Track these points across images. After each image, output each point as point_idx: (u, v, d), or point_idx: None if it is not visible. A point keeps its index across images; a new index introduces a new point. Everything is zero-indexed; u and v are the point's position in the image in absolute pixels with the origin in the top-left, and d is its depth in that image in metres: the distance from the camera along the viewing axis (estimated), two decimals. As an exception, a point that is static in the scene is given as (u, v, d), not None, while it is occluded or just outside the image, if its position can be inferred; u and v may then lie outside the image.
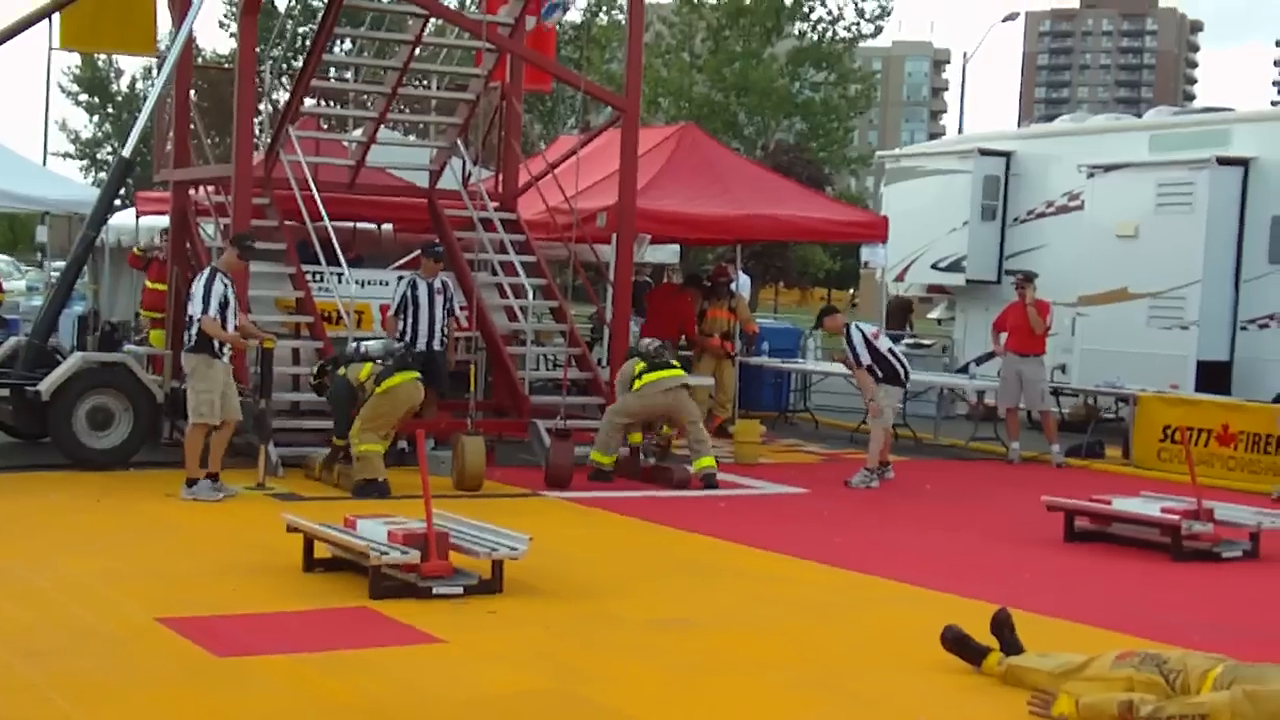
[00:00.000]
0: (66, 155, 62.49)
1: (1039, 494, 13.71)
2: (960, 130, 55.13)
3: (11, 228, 60.14)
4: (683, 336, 20.63)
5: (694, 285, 21.62)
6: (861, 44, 54.77)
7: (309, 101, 19.01)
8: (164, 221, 19.51)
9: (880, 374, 16.34)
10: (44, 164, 45.15)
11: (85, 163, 61.22)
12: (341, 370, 14.70)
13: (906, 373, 16.62)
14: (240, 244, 14.46)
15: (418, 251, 17.63)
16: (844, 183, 74.87)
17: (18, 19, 16.16)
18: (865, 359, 16.31)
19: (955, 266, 24.72)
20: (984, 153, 24.69)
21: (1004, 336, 19.15)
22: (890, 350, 16.60)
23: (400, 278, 17.06)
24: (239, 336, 13.85)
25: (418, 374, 14.65)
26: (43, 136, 54.62)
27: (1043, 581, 11.40)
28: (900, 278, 25.83)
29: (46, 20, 17.20)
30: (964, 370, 21.67)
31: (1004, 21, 59.50)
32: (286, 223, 17.28)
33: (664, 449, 16.89)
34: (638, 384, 15.75)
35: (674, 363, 16.34)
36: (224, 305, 13.66)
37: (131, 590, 9.78)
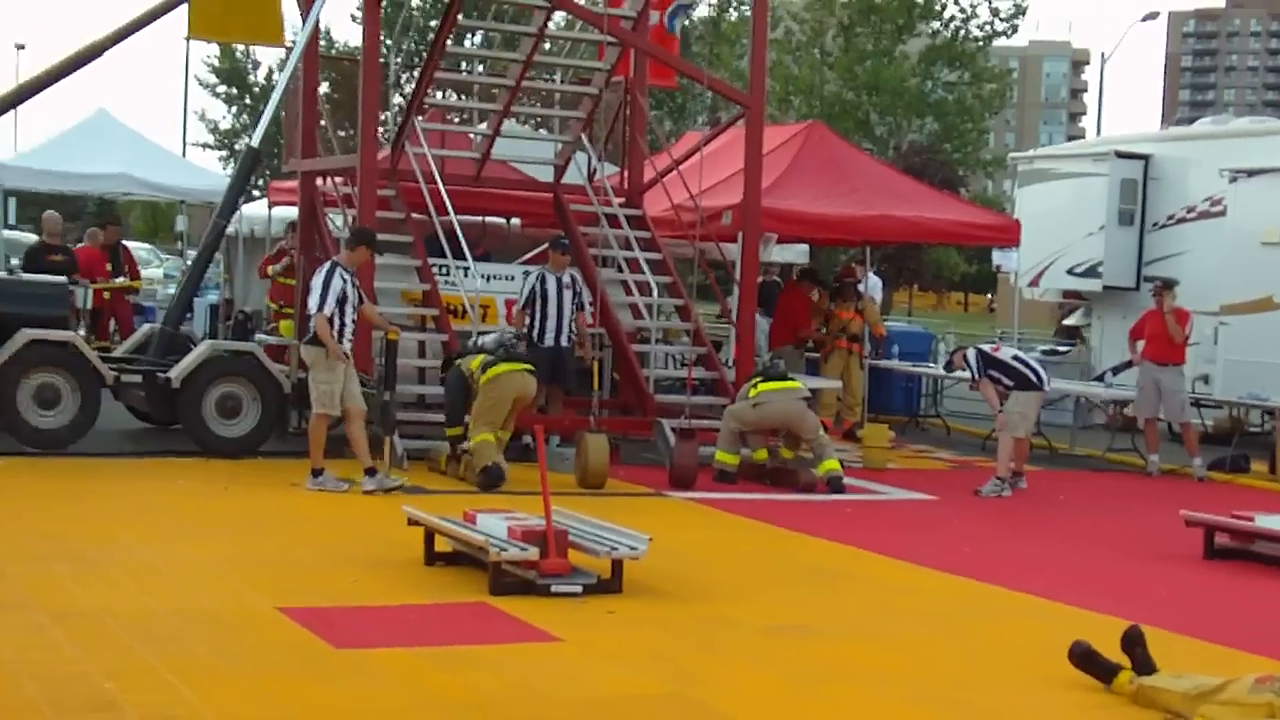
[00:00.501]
0: (205, 146, 63.42)
1: (1178, 508, 13.31)
2: (1098, 132, 54.23)
3: (153, 216, 61.06)
4: (809, 336, 20.50)
5: (809, 280, 21.44)
6: (997, 43, 54.16)
7: (435, 94, 19.06)
8: (294, 212, 19.62)
9: (1010, 382, 16.07)
10: (183, 154, 45.82)
11: (224, 153, 62.03)
12: (458, 362, 14.78)
13: (1040, 378, 16.28)
14: (366, 239, 14.47)
15: (545, 246, 17.61)
16: (979, 185, 74.01)
17: (150, 8, 16.30)
18: (979, 374, 16.15)
19: (1091, 272, 24.23)
20: (1121, 155, 24.18)
21: (1141, 345, 18.72)
22: (1016, 357, 16.35)
23: (526, 272, 17.02)
24: (340, 349, 13.69)
25: (527, 366, 14.68)
26: (182, 127, 55.34)
27: (1179, 599, 11.10)
28: (1034, 283, 25.40)
29: (180, 11, 17.34)
30: (1100, 379, 21.24)
31: (1143, 21, 58.29)
32: (413, 215, 17.31)
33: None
34: (753, 392, 15.63)
35: (790, 375, 16.20)
36: (342, 300, 13.67)
37: (254, 578, 9.81)
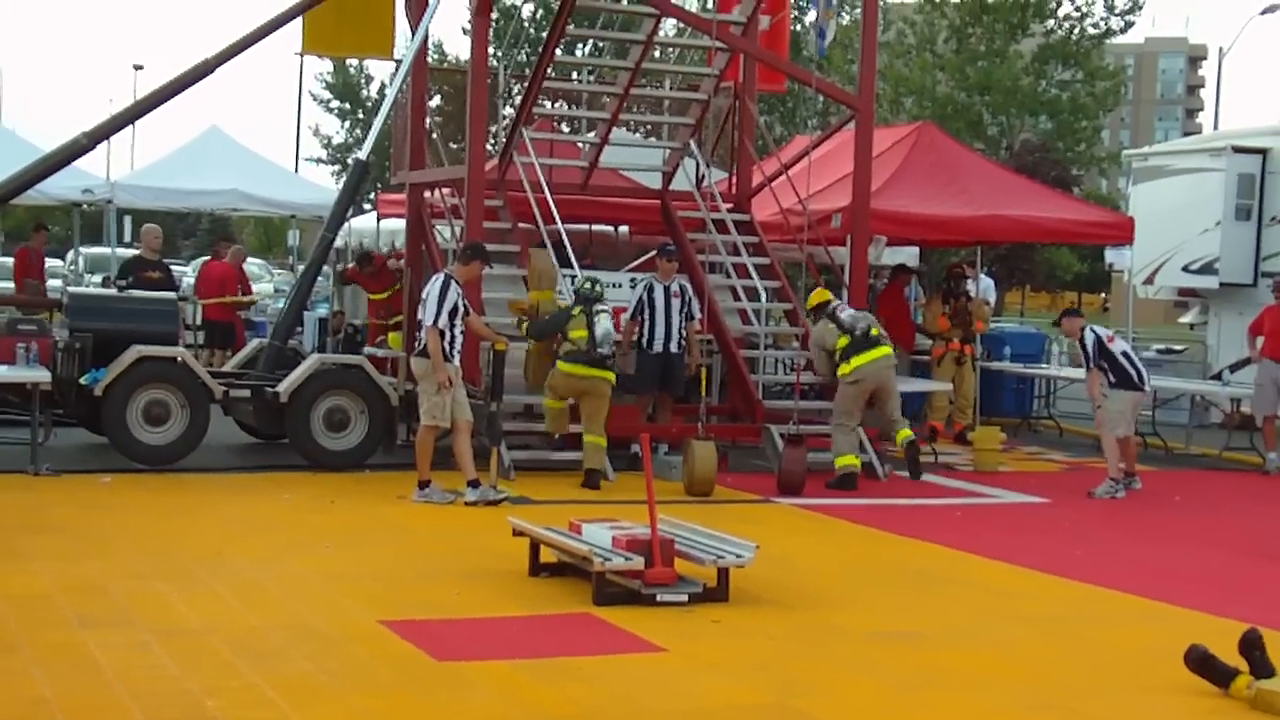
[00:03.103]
0: (319, 161, 64.11)
1: (1296, 508, 13.05)
2: (1215, 128, 53.34)
3: (266, 232, 61.83)
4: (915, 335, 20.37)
5: (903, 273, 21.24)
6: (1112, 40, 53.37)
7: (544, 104, 19.08)
8: (400, 225, 19.74)
9: (1112, 378, 15.82)
10: (296, 170, 46.33)
11: (337, 168, 62.59)
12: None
13: (1141, 377, 16.02)
14: (481, 254, 14.49)
15: (652, 253, 17.57)
16: (1093, 183, 73.05)
17: (262, 24, 16.46)
18: (1092, 363, 15.91)
19: (1207, 269, 23.83)
20: (1238, 150, 23.74)
21: (1260, 341, 18.38)
22: (1125, 354, 16.04)
23: (634, 281, 16.99)
24: (449, 370, 13.69)
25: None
26: (295, 143, 55.89)
27: (1298, 600, 10.82)
28: (1149, 280, 25.00)
29: (296, 26, 17.48)
30: (1217, 377, 20.85)
31: (1263, 14, 57.17)
32: (520, 225, 17.33)
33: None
34: (846, 369, 15.49)
35: (880, 339, 15.91)
36: (453, 313, 13.68)
37: (357, 592, 9.82)
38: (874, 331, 15.82)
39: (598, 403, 15.04)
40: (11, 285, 24.19)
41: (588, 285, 15.32)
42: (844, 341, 15.67)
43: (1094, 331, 16.12)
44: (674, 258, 16.71)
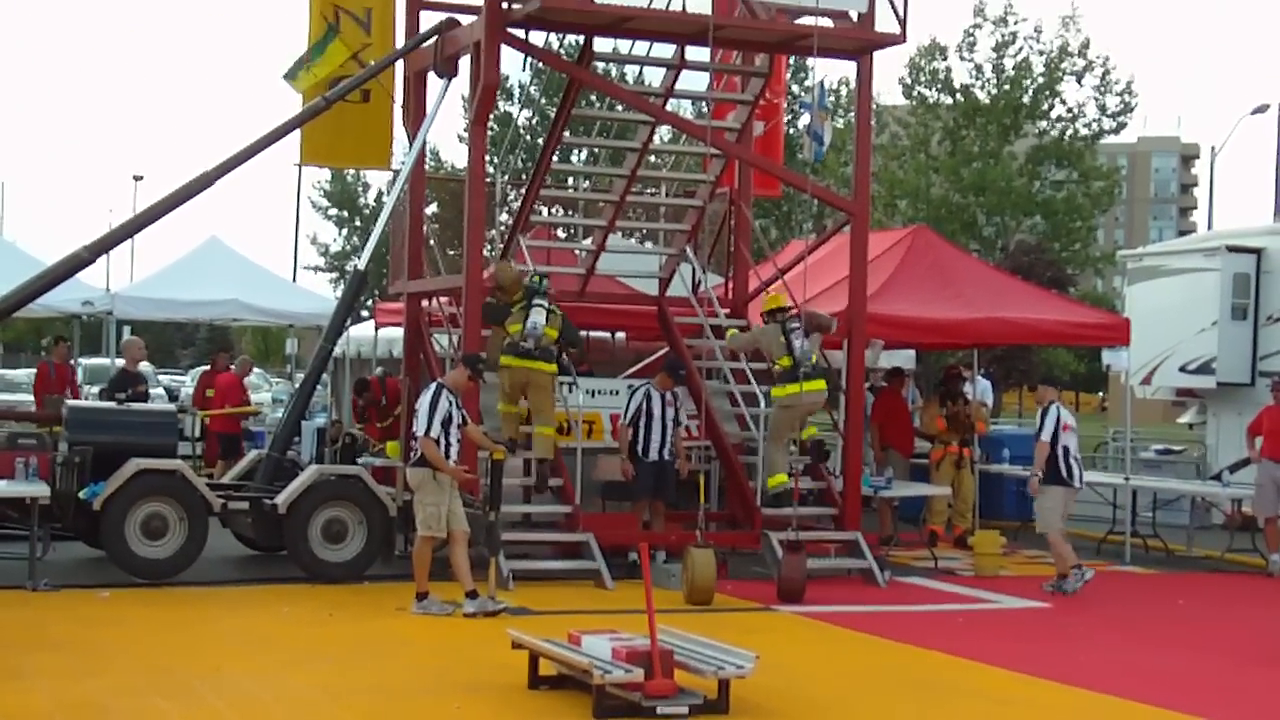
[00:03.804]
0: (317, 269, 64.38)
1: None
2: (1209, 227, 53.58)
3: (264, 340, 62.02)
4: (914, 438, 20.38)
5: (897, 377, 21.26)
6: (1105, 140, 53.66)
7: (541, 211, 19.20)
8: (398, 334, 19.78)
9: (1042, 472, 15.92)
10: (294, 278, 46.50)
11: (334, 275, 62.83)
12: None
13: (1072, 474, 16.13)
14: (471, 365, 14.51)
15: (651, 358, 17.58)
16: (1089, 283, 73.28)
17: (262, 136, 16.61)
18: (1045, 436, 16.05)
19: (1205, 369, 23.84)
20: (1232, 249, 23.85)
21: (1260, 441, 18.39)
22: (1066, 449, 16.09)
23: (631, 387, 17.01)
24: (458, 469, 13.79)
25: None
26: (293, 252, 56.17)
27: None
28: (1146, 381, 25.00)
29: (294, 137, 17.60)
30: (1217, 478, 20.81)
31: (1253, 114, 57.59)
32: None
33: None
34: (781, 392, 16.26)
35: (816, 371, 16.49)
36: (446, 422, 13.67)
37: (356, 707, 9.78)
38: (813, 359, 16.42)
39: (539, 395, 15.94)
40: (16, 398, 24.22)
41: (536, 279, 16.13)
42: (786, 362, 16.21)
43: (1058, 411, 16.26)
44: (681, 381, 16.77)
